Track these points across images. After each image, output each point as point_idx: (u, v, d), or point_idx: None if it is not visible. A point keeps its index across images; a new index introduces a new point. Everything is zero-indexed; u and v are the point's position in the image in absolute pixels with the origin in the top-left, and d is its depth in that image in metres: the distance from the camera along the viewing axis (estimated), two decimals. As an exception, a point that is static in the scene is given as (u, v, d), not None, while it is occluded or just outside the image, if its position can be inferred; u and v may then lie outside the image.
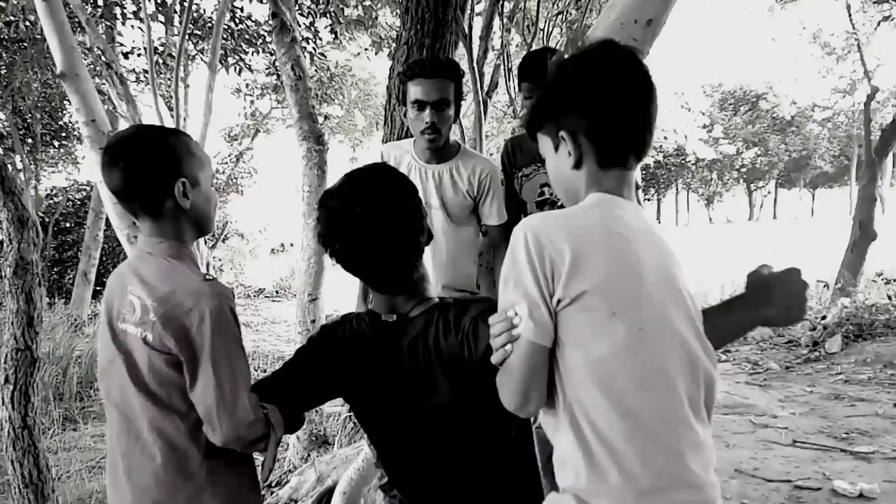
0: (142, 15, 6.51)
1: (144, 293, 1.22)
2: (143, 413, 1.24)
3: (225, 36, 7.33)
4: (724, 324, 1.12)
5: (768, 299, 1.09)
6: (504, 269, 1.00)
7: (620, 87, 1.03)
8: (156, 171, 1.25)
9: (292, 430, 1.35)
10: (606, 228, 1.00)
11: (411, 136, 2.28)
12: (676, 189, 36.84)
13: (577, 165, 1.07)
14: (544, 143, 1.12)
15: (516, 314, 0.97)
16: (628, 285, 0.97)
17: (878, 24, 10.67)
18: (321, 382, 1.33)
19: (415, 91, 2.06)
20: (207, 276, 1.26)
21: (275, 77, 9.32)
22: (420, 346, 1.24)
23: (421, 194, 2.30)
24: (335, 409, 4.23)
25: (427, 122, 2.05)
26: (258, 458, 1.32)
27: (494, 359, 1.00)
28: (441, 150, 2.19)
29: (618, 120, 1.04)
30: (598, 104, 1.04)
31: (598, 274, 0.95)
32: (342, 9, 7.18)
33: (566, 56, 1.10)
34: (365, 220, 1.19)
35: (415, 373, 1.24)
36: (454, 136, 2.39)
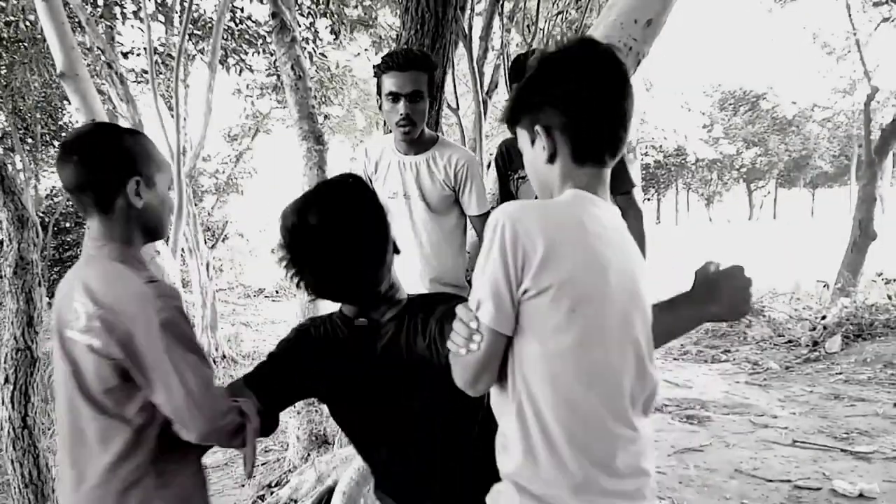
0: (142, 15, 6.50)
1: (88, 299, 1.19)
2: (90, 422, 1.22)
3: (225, 36, 7.33)
4: (671, 320, 1.17)
5: (713, 295, 1.15)
6: (481, 252, 1.01)
7: (595, 83, 1.04)
8: (110, 166, 1.24)
9: (268, 433, 1.33)
10: (582, 226, 1.01)
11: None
12: (676, 189, 36.85)
13: (552, 160, 1.09)
14: (522, 137, 1.14)
15: (478, 328, 0.98)
16: (593, 284, 0.99)
17: (878, 24, 10.67)
18: (295, 382, 1.33)
19: (389, 83, 2.08)
20: (152, 279, 1.23)
21: (275, 77, 9.31)
22: (393, 351, 1.25)
23: (400, 185, 2.26)
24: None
25: (401, 114, 2.08)
26: (238, 455, 1.31)
27: (449, 346, 1.03)
28: (417, 141, 2.21)
29: (592, 116, 1.05)
30: (573, 100, 1.05)
31: (566, 269, 0.97)
32: (342, 9, 7.18)
33: (546, 53, 1.10)
34: (322, 233, 1.16)
35: (390, 376, 1.25)
36: (453, 134, 2.40)
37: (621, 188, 2.20)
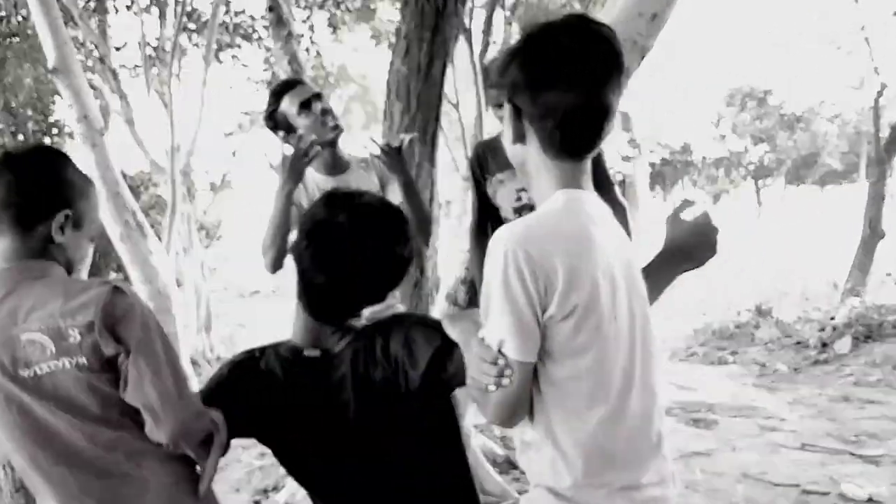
0: (135, 9, 6.45)
1: (51, 321, 1.11)
2: (83, 441, 1.14)
3: (220, 30, 7.28)
4: (651, 283, 1.16)
5: (686, 252, 1.19)
6: (492, 286, 0.96)
7: (578, 72, 0.95)
8: (47, 188, 1.19)
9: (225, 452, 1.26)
10: (589, 237, 0.97)
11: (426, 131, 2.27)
12: (683, 186, 36.72)
13: (520, 140, 1.03)
14: (505, 109, 1.07)
15: (507, 363, 0.94)
16: (608, 296, 0.97)
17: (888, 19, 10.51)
18: (233, 423, 1.21)
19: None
20: (105, 280, 1.19)
21: (270, 73, 9.26)
22: (349, 384, 1.16)
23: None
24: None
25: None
26: (234, 459, 1.25)
27: (474, 385, 0.98)
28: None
29: (566, 112, 0.96)
30: (546, 89, 0.96)
31: (587, 288, 0.94)
32: (338, 3, 7.12)
33: (534, 27, 1.02)
34: (361, 235, 1.12)
35: (345, 409, 1.16)
36: (453, 130, 2.35)
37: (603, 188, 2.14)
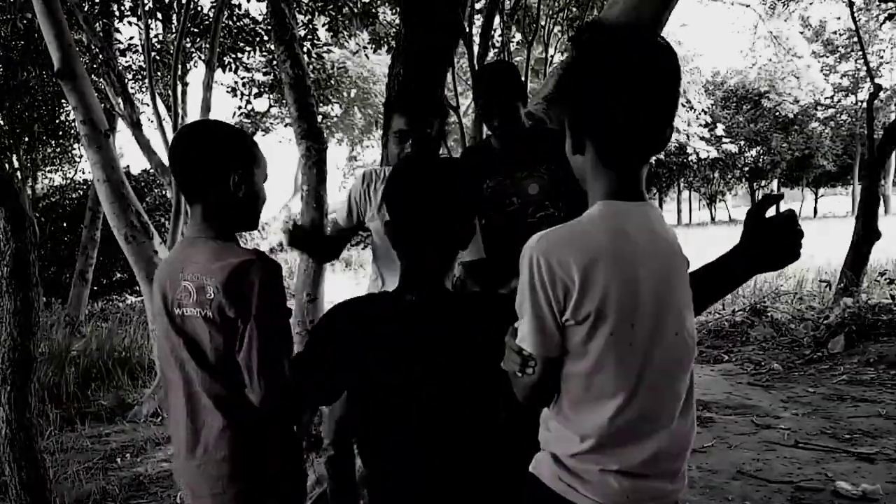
0: (139, 12, 6.47)
1: (199, 276, 1.31)
2: (205, 387, 1.33)
3: (222, 34, 7.30)
4: (721, 280, 1.21)
5: (765, 249, 1.14)
6: (521, 283, 1.05)
7: (637, 83, 0.99)
8: (218, 157, 1.38)
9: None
10: (613, 250, 1.01)
11: None
12: (678, 188, 36.75)
13: (580, 152, 1.09)
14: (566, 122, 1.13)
15: (530, 356, 1.03)
16: (626, 305, 1.01)
17: (883, 21, 10.61)
18: (329, 367, 1.31)
19: (398, 122, 2.12)
20: (254, 251, 1.35)
21: (272, 76, 9.28)
22: (438, 336, 1.24)
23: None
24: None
25: (408, 153, 2.11)
26: None
27: (505, 368, 1.09)
28: None
29: (620, 123, 1.01)
30: (606, 100, 1.00)
31: (601, 298, 1.00)
32: (340, 7, 7.14)
33: (592, 35, 1.06)
34: (445, 192, 1.28)
35: (431, 356, 1.23)
36: (453, 134, 2.40)
37: None
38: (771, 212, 1.14)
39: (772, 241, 1.13)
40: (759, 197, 1.24)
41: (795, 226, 1.12)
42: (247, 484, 1.35)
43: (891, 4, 8.97)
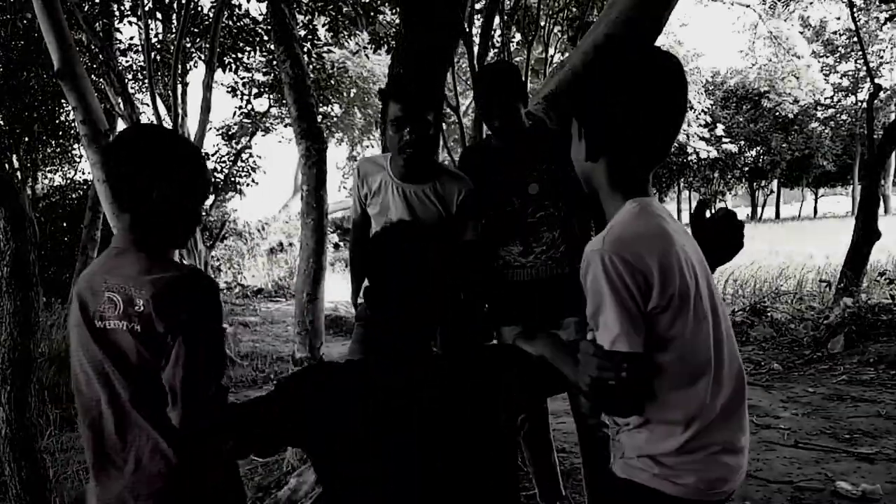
0: (139, 12, 6.47)
1: (126, 288, 1.26)
2: (137, 405, 1.27)
3: (222, 34, 7.30)
4: None
5: (713, 247, 1.24)
6: (601, 293, 1.07)
7: (652, 92, 1.10)
8: (147, 165, 1.32)
9: (242, 455, 1.35)
10: (668, 236, 1.10)
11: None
12: (678, 188, 36.74)
13: (593, 160, 1.16)
14: (574, 126, 1.21)
15: (622, 358, 1.05)
16: (693, 281, 1.10)
17: (884, 22, 10.61)
18: (293, 429, 1.27)
19: (395, 109, 2.09)
20: (186, 269, 1.32)
21: (272, 76, 9.28)
22: (431, 407, 1.22)
23: (392, 214, 2.26)
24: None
25: (406, 140, 2.08)
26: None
27: (591, 379, 1.09)
28: (418, 169, 2.19)
29: (639, 137, 1.11)
30: (627, 109, 1.10)
31: (679, 277, 1.07)
32: (340, 7, 7.14)
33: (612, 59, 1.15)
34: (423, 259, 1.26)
35: (428, 432, 1.22)
36: (452, 133, 2.39)
37: None
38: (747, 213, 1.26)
39: (717, 237, 1.25)
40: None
41: (734, 220, 1.26)
42: (185, 499, 1.28)
43: (892, 5, 8.97)
